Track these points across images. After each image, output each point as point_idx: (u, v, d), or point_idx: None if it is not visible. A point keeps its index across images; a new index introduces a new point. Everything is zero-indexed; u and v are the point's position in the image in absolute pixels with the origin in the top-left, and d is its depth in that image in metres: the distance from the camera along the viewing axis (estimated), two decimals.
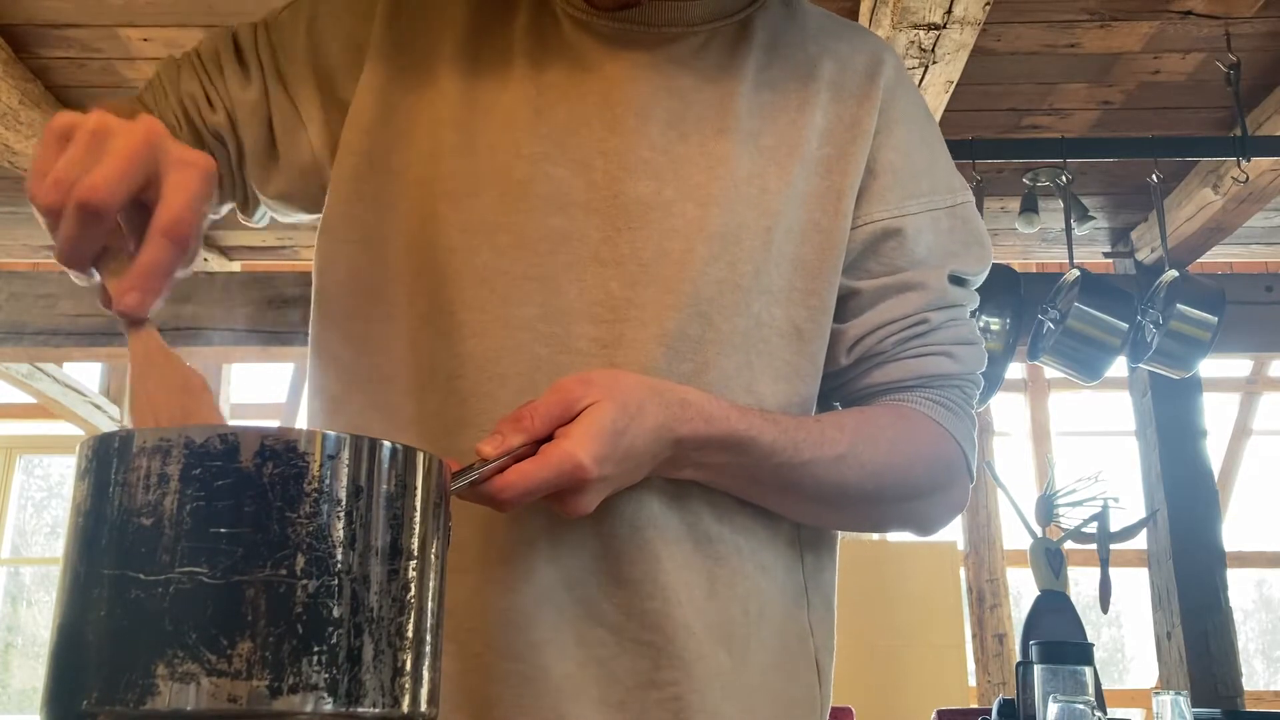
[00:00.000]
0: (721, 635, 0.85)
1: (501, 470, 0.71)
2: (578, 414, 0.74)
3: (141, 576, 0.51)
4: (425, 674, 0.58)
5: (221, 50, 1.00)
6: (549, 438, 0.74)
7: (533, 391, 0.82)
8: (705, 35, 0.95)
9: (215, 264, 3.87)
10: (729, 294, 0.87)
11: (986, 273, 0.99)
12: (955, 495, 0.96)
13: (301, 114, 0.97)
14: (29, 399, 5.16)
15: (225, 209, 1.04)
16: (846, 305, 0.94)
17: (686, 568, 0.85)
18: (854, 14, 2.49)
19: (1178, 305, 2.85)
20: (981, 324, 2.81)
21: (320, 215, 1.00)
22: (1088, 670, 2.08)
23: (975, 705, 4.31)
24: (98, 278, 0.65)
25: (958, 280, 0.96)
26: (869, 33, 1.04)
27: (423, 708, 0.57)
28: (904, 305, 0.93)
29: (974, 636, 4.87)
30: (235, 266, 4.01)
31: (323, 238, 0.95)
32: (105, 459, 0.54)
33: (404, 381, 0.88)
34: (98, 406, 5.31)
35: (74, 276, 0.66)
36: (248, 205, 1.04)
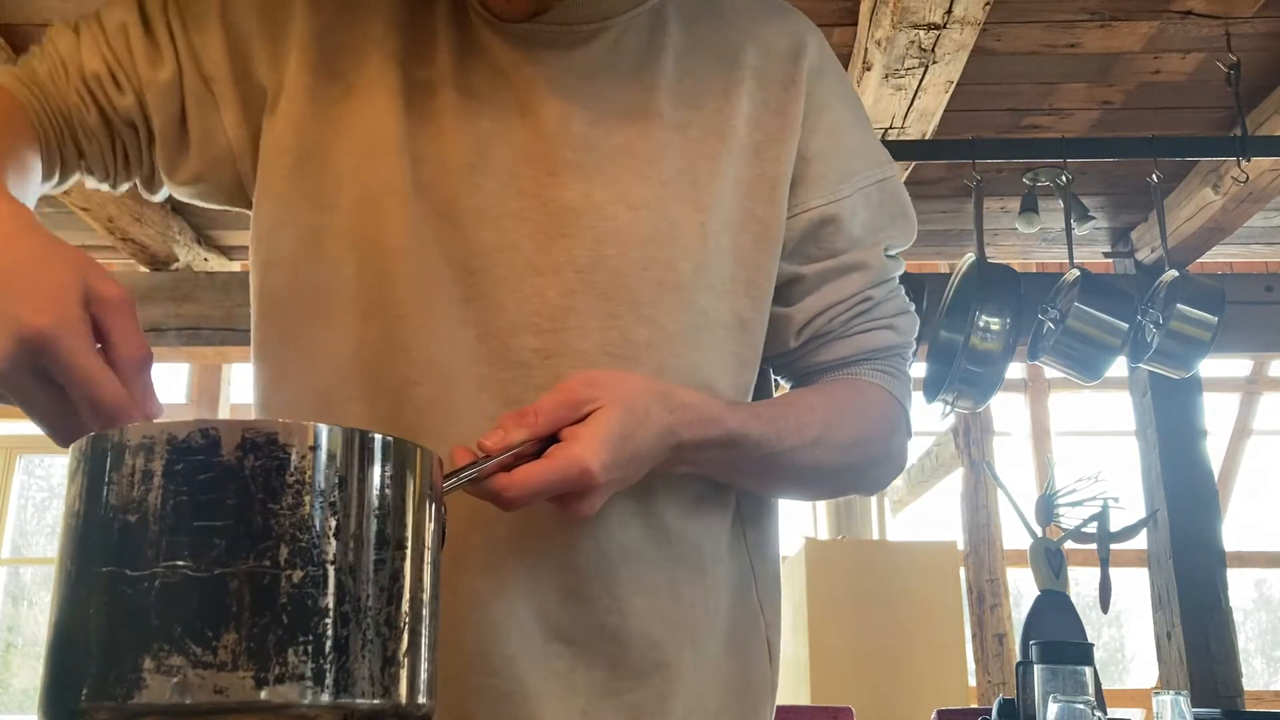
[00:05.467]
0: (686, 636, 0.86)
1: (504, 466, 0.71)
2: (584, 416, 0.74)
3: (129, 572, 0.51)
4: (419, 665, 0.58)
5: (129, 23, 0.93)
6: (553, 436, 0.74)
7: (478, 415, 0.82)
8: (619, 28, 0.93)
9: (215, 264, 3.87)
10: (670, 294, 0.87)
11: (911, 242, 1.01)
12: (901, 456, 1.00)
13: (216, 95, 0.92)
14: None
15: (125, 186, 0.99)
16: (791, 290, 0.94)
17: (648, 575, 0.85)
18: (854, 14, 2.49)
19: (1178, 305, 2.85)
20: (981, 324, 2.80)
21: (230, 206, 0.98)
22: (1088, 670, 2.08)
23: (975, 705, 4.31)
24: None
25: (889, 254, 0.98)
26: (791, 11, 1.01)
27: (419, 699, 0.57)
28: (848, 286, 0.94)
29: (974, 636, 4.87)
30: (235, 266, 4.01)
31: (260, 239, 0.92)
32: (94, 458, 0.55)
33: (351, 387, 0.86)
34: None
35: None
36: (152, 183, 0.99)
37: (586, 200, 0.87)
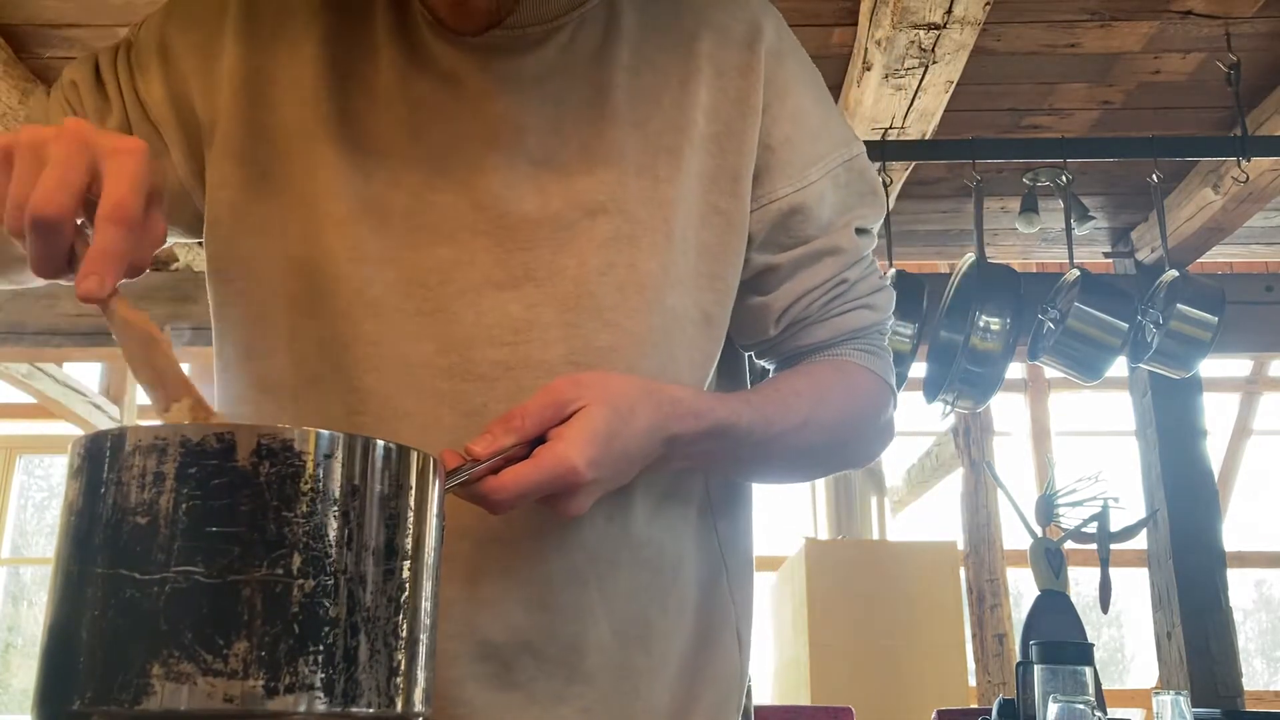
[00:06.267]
0: (638, 638, 0.86)
1: (493, 470, 0.71)
2: (569, 415, 0.74)
3: (136, 576, 0.51)
4: (420, 674, 0.58)
5: (80, 80, 0.94)
6: (541, 439, 0.73)
7: (437, 427, 0.81)
8: (571, 27, 0.90)
9: None
10: (635, 296, 0.86)
11: (882, 217, 1.01)
12: (889, 430, 1.00)
13: (165, 138, 0.92)
14: (29, 399, 5.17)
15: None
16: (766, 279, 0.94)
17: (612, 581, 0.85)
18: (854, 14, 2.49)
19: (1178, 305, 2.85)
20: (981, 324, 2.80)
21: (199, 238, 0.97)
22: (1088, 670, 2.08)
23: (975, 705, 4.31)
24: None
25: (861, 231, 0.98)
26: None
27: (417, 708, 0.57)
28: (823, 271, 0.94)
29: (974, 636, 4.87)
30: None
31: (213, 277, 0.91)
32: (98, 457, 0.54)
33: (306, 422, 0.84)
34: (98, 406, 5.32)
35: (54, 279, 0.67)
36: None
37: (543, 211, 0.86)
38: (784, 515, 6.72)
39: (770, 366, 1.01)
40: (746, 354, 1.01)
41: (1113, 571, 2.80)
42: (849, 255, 0.95)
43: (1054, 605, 2.55)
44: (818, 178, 0.94)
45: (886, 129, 2.71)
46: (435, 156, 0.87)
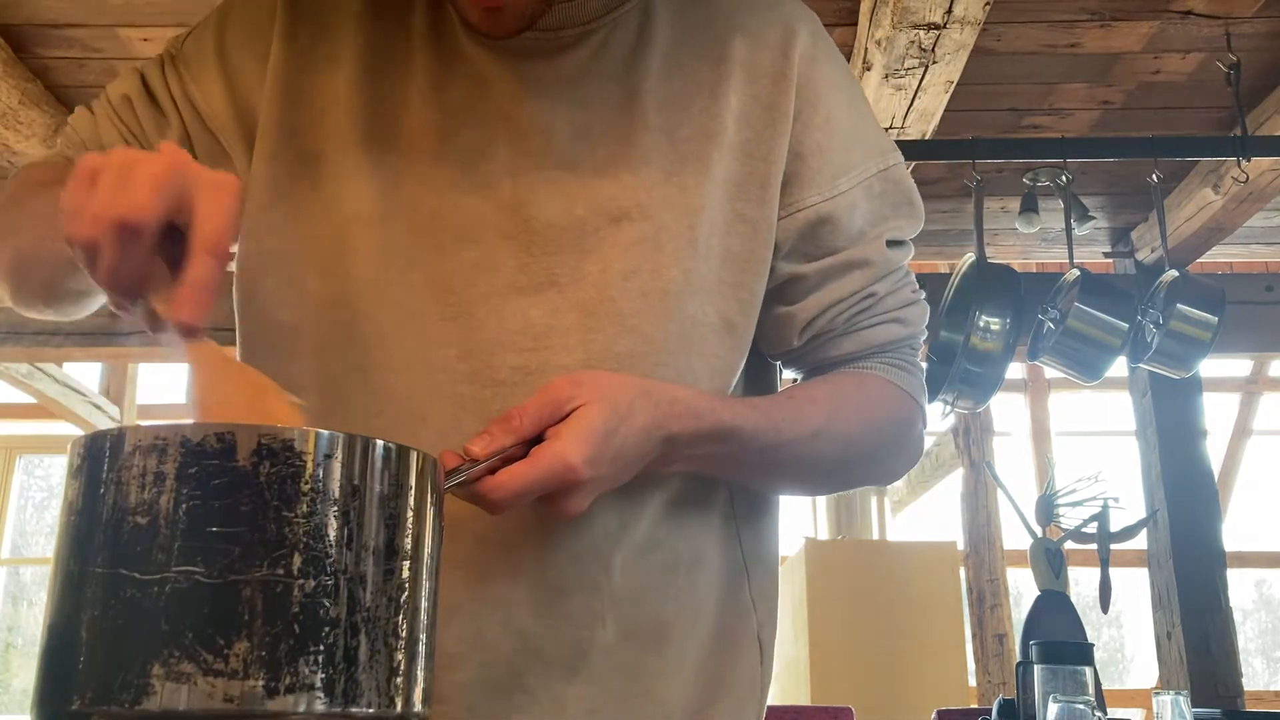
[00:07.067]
0: (652, 640, 0.86)
1: (491, 471, 0.71)
2: (567, 414, 0.74)
3: (137, 575, 0.51)
4: (420, 674, 0.58)
5: (133, 95, 0.95)
6: (539, 439, 0.73)
7: (456, 431, 0.81)
8: (605, 30, 0.90)
9: None
10: (656, 303, 0.85)
11: (919, 229, 0.99)
12: (914, 449, 0.99)
13: (225, 147, 0.92)
14: (29, 399, 5.17)
15: None
16: (793, 289, 0.93)
17: (622, 583, 0.85)
18: (854, 14, 2.49)
19: (1178, 305, 2.85)
20: (981, 324, 2.80)
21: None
22: (1088, 670, 2.08)
23: (975, 705, 4.31)
24: (141, 305, 0.66)
25: (894, 243, 0.96)
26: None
27: (417, 708, 0.57)
28: (851, 283, 0.93)
29: (974, 636, 4.87)
30: (234, 268, 4.01)
31: (240, 275, 0.91)
32: (98, 457, 0.54)
33: (324, 422, 0.84)
34: (97, 406, 5.32)
35: (117, 306, 0.66)
36: None
37: (568, 216, 0.85)
38: (784, 515, 6.72)
39: (797, 377, 1.00)
40: (776, 363, 1.00)
41: (1113, 571, 2.80)
42: (879, 268, 0.94)
43: (1054, 605, 2.55)
44: (848, 188, 0.92)
45: (886, 129, 2.71)
46: (463, 159, 0.87)
